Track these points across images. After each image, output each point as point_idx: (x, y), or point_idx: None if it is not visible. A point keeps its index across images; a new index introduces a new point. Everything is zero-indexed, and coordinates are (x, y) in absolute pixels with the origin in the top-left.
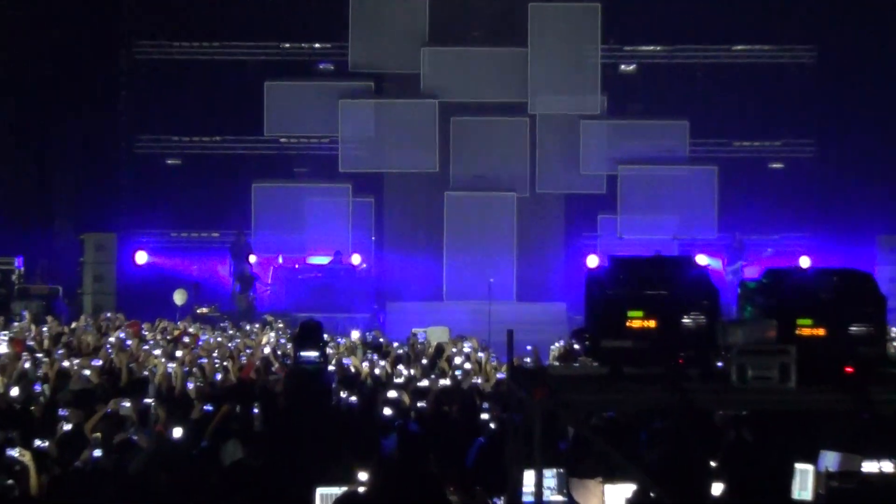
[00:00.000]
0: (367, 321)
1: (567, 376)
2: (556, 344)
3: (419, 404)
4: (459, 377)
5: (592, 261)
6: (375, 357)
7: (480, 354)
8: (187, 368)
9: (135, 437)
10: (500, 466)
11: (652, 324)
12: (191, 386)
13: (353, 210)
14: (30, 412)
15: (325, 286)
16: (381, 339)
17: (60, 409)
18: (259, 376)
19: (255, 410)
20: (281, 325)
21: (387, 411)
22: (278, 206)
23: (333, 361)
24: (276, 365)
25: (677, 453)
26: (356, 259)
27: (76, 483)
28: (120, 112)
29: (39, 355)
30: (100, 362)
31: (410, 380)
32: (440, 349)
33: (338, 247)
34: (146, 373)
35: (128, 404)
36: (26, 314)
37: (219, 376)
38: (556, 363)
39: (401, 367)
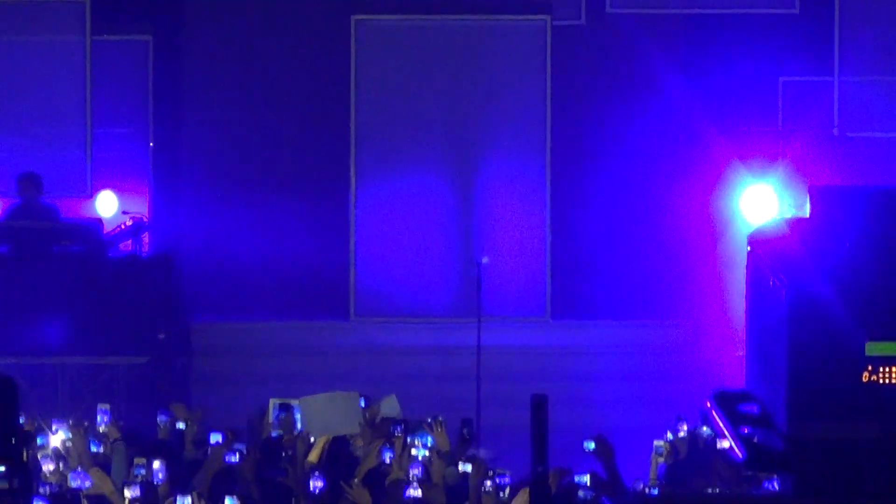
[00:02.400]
0: (139, 377)
1: None
2: (667, 438)
3: None
4: None
5: (757, 201)
6: (161, 471)
7: (465, 468)
8: None
9: None
10: None
11: None
12: None
13: (96, 68)
14: None
15: (25, 279)
16: (185, 424)
17: None
18: None
19: None
20: None
21: None
22: None
23: (50, 478)
24: None
25: None
26: (106, 203)
27: None
28: None
29: None
30: None
31: None
32: (341, 451)
33: (51, 167)
34: None
35: None
36: None
37: None
38: (655, 483)
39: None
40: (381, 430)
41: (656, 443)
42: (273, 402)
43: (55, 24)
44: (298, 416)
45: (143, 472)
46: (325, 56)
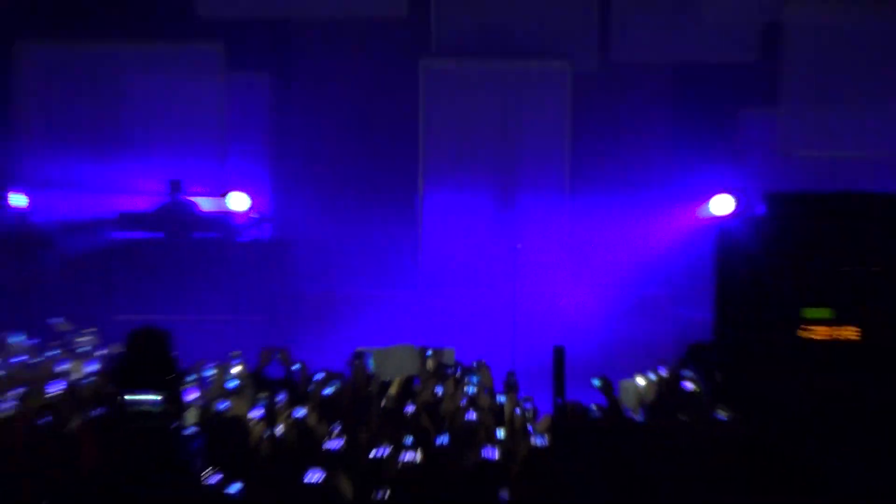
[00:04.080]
0: (264, 331)
1: (675, 439)
2: (642, 376)
3: (376, 495)
4: (449, 444)
5: (721, 204)
6: (281, 401)
7: (501, 399)
8: None
9: None
10: None
11: (851, 333)
12: None
13: (228, 98)
14: None
15: (179, 256)
16: (297, 366)
17: None
18: (42, 442)
19: None
20: (88, 339)
21: None
22: (71, 88)
23: (196, 414)
24: (77, 421)
25: None
26: (240, 201)
27: None
28: None
29: None
30: None
31: (354, 447)
32: (409, 389)
33: (193, 173)
34: None
35: None
36: None
37: None
38: (639, 410)
39: (335, 425)
40: (438, 372)
41: (638, 381)
42: (357, 352)
43: (195, 65)
44: (370, 362)
45: (266, 401)
46: (399, 92)
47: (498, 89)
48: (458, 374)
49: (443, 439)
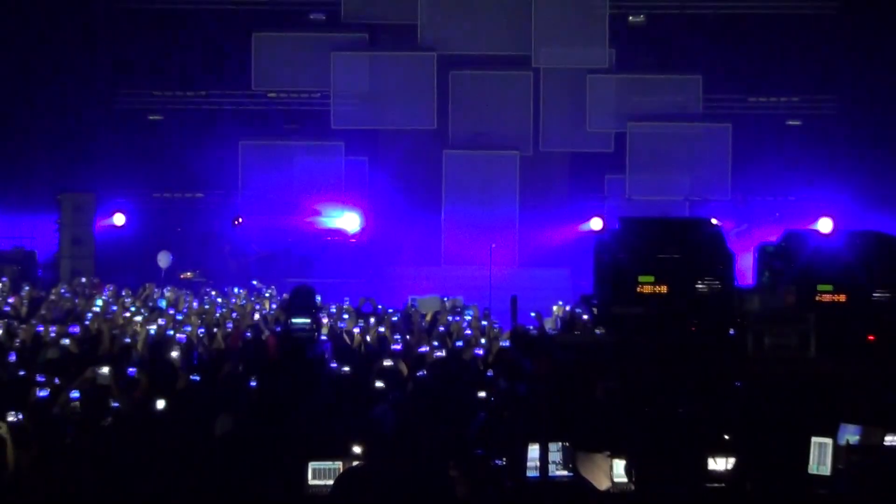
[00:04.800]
0: (361, 287)
1: (573, 345)
2: (557, 305)
3: (418, 374)
4: (459, 347)
5: (595, 224)
6: (372, 322)
7: (483, 323)
8: (171, 333)
9: (116, 405)
10: (503, 441)
11: (663, 289)
12: (175, 355)
13: (346, 170)
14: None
15: (317, 249)
16: (380, 307)
17: (39, 377)
18: (247, 345)
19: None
20: (271, 290)
21: (380, 384)
22: (267, 166)
23: (326, 329)
24: (266, 333)
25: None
26: (352, 221)
27: (58, 459)
28: (98, 65)
29: (15, 322)
30: (77, 329)
31: (408, 348)
32: (436, 319)
33: (330, 207)
34: (128, 340)
35: (106, 370)
36: (6, 279)
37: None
38: (555, 329)
39: (397, 335)
40: (452, 309)
41: (554, 308)
42: (411, 299)
43: (330, 153)
44: (417, 304)
45: (362, 323)
46: (433, 167)
47: (484, 164)
48: (462, 309)
49: (456, 343)
